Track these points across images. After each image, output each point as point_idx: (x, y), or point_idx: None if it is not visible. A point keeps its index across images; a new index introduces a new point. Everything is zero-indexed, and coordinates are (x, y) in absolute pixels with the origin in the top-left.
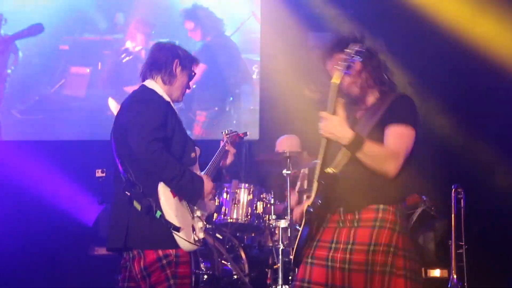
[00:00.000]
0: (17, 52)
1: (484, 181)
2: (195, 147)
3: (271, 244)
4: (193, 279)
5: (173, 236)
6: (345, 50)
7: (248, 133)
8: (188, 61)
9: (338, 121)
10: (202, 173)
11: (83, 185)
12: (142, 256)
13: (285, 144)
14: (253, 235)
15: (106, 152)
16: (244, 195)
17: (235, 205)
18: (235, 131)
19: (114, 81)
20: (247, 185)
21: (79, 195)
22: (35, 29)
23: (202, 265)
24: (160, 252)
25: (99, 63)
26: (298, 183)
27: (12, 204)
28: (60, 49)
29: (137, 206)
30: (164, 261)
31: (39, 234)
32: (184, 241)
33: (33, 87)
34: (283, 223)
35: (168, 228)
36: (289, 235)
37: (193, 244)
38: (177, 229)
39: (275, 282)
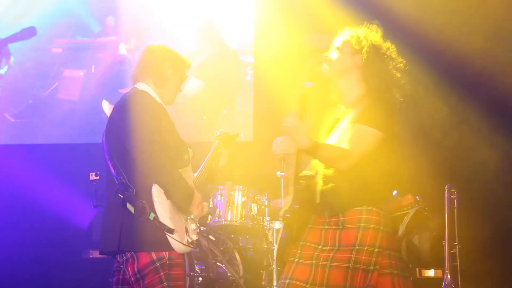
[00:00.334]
0: (9, 56)
1: (478, 181)
2: (188, 149)
3: (265, 246)
4: (188, 281)
5: (166, 238)
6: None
7: (240, 134)
8: (179, 64)
9: (299, 128)
10: (195, 174)
11: (77, 188)
12: (135, 258)
13: (280, 145)
14: (247, 237)
15: (100, 155)
16: (238, 197)
17: (230, 207)
18: (227, 132)
19: (108, 84)
20: (241, 186)
21: (73, 199)
22: (28, 33)
23: (196, 267)
24: (154, 255)
25: (92, 66)
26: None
27: (6, 208)
28: (53, 52)
29: (131, 208)
30: (158, 264)
31: (33, 238)
32: (178, 243)
33: (26, 90)
34: (277, 225)
35: (162, 230)
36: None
37: (186, 246)
38: (171, 231)
39: (270, 283)
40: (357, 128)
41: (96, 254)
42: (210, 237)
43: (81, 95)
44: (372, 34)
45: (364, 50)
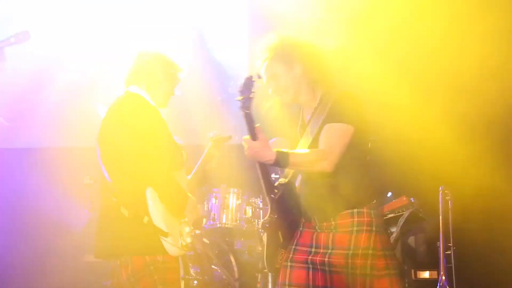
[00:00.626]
0: (4, 60)
1: (472, 182)
2: (182, 151)
3: (260, 248)
4: (183, 284)
5: (160, 241)
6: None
7: (232, 137)
8: (172, 68)
9: (259, 145)
10: (189, 177)
11: (72, 192)
12: (129, 262)
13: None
14: (242, 239)
15: (94, 159)
16: (233, 200)
17: (224, 210)
18: (219, 134)
19: (102, 87)
20: (236, 189)
21: (68, 203)
22: (22, 37)
23: (191, 271)
24: (148, 258)
25: (87, 70)
26: None
27: (1, 212)
28: (48, 56)
29: (124, 212)
30: (152, 267)
31: (27, 242)
32: (172, 246)
33: (20, 94)
34: (265, 235)
35: (155, 234)
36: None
37: (180, 249)
38: (165, 234)
39: (265, 286)
40: (327, 128)
41: (90, 258)
42: (205, 240)
43: (76, 98)
44: (289, 38)
45: (296, 57)
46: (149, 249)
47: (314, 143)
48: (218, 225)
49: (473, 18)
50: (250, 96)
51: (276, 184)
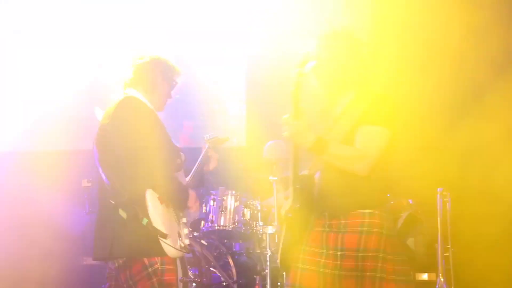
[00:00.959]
0: None
1: (470, 184)
2: (180, 153)
3: (259, 251)
4: (181, 286)
5: (158, 243)
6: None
7: (230, 138)
8: (169, 71)
9: (300, 127)
10: (187, 179)
11: (70, 195)
12: (128, 264)
13: (272, 150)
14: (240, 241)
15: (92, 162)
16: (231, 202)
17: (222, 212)
18: (216, 136)
19: (99, 91)
20: (234, 191)
21: (66, 206)
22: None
23: (190, 273)
24: (146, 261)
25: (84, 73)
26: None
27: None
28: (45, 59)
29: (123, 214)
30: (150, 269)
31: (26, 245)
32: (171, 247)
33: (17, 96)
34: (270, 229)
35: (154, 236)
36: (276, 241)
37: (179, 250)
38: (164, 236)
39: None
40: (366, 130)
41: (89, 260)
42: (203, 242)
43: (73, 101)
44: (349, 36)
45: (344, 50)
46: (148, 251)
47: (345, 140)
48: (216, 227)
49: None
50: (304, 72)
51: (300, 175)
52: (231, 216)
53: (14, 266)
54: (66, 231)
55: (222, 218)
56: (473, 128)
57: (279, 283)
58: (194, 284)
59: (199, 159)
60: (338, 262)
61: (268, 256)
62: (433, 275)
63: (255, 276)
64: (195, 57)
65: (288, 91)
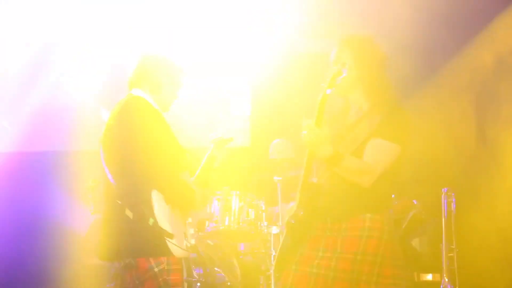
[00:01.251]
0: None
1: (475, 184)
2: (186, 153)
3: (263, 251)
4: (186, 286)
5: (165, 243)
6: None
7: (233, 139)
8: (176, 72)
9: (321, 137)
10: (192, 179)
11: (75, 195)
12: (134, 264)
13: (277, 149)
14: (245, 242)
15: (97, 162)
16: (235, 202)
17: (227, 212)
18: (221, 136)
19: (105, 91)
20: (238, 192)
21: (71, 206)
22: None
23: (194, 273)
24: (152, 260)
25: (90, 74)
26: None
27: (4, 215)
28: (50, 60)
29: (129, 214)
30: (156, 269)
31: (31, 245)
32: (177, 247)
33: (23, 98)
34: (275, 229)
35: (160, 236)
36: (281, 241)
37: (185, 250)
38: (170, 236)
39: None
40: (377, 143)
41: (93, 260)
42: (209, 241)
43: (78, 102)
44: (371, 43)
45: (370, 62)
46: (154, 251)
47: (358, 151)
48: (221, 227)
49: None
50: (335, 84)
51: (309, 182)
52: (236, 216)
53: (19, 265)
54: (71, 231)
55: (227, 218)
56: (477, 127)
57: None
58: (198, 284)
59: (203, 160)
60: (333, 263)
61: (272, 256)
62: (438, 276)
63: (259, 276)
64: (199, 58)
65: (291, 92)
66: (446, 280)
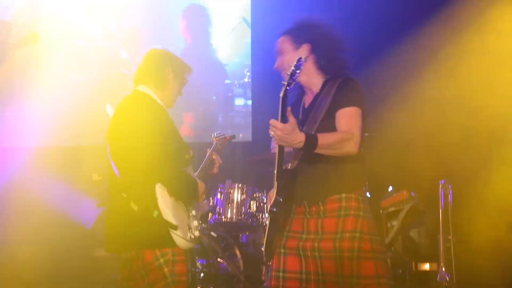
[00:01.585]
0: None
1: (471, 176)
2: (189, 149)
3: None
4: (190, 277)
5: (169, 235)
6: (290, 65)
7: (235, 136)
8: (180, 69)
9: (290, 128)
10: (195, 173)
11: (81, 189)
12: (140, 256)
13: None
14: (247, 233)
15: (102, 156)
16: (237, 195)
17: (229, 205)
18: (223, 134)
19: (110, 87)
20: (240, 185)
21: (78, 199)
22: (31, 39)
23: (198, 264)
24: (157, 251)
25: (94, 70)
26: None
27: (14, 209)
28: (56, 57)
29: (134, 207)
30: (162, 260)
31: (40, 238)
32: (181, 239)
33: (31, 94)
34: (268, 221)
35: (165, 228)
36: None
37: (189, 241)
38: (174, 228)
39: (269, 277)
40: (341, 113)
41: (101, 252)
42: (212, 233)
43: (84, 99)
44: (311, 21)
45: (306, 38)
46: (159, 243)
47: (320, 130)
48: (224, 219)
49: None
50: (294, 77)
51: (284, 169)
52: (238, 209)
53: (28, 257)
54: (78, 223)
55: (229, 210)
56: (475, 120)
57: None
58: (202, 275)
59: (203, 163)
60: (316, 244)
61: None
62: (435, 265)
63: (261, 267)
64: (201, 53)
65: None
66: (443, 269)
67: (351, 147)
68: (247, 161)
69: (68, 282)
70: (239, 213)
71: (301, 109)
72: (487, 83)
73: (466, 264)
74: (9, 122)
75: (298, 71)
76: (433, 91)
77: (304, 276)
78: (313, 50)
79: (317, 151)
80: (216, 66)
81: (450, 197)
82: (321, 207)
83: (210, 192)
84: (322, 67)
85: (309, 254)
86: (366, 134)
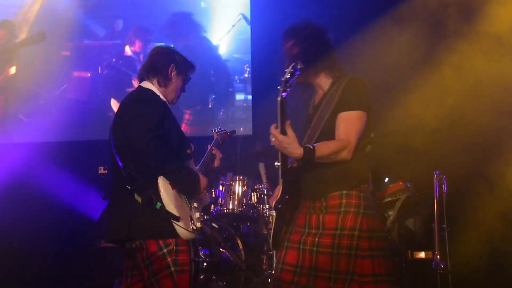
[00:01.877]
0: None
1: (465, 166)
2: (191, 144)
3: (265, 232)
4: (193, 266)
5: (172, 226)
6: (285, 70)
7: (235, 131)
8: (183, 67)
9: (288, 142)
10: (197, 167)
11: (87, 182)
12: (144, 246)
13: None
14: (248, 224)
15: (108, 150)
16: (238, 187)
17: (231, 197)
18: (224, 130)
19: (114, 84)
20: (241, 177)
21: (84, 192)
22: (38, 37)
23: (201, 253)
24: (161, 242)
25: (99, 67)
26: None
27: (23, 202)
28: (62, 55)
29: (138, 198)
30: (165, 250)
31: (48, 230)
32: (183, 230)
33: (37, 92)
34: (274, 215)
35: (168, 219)
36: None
37: (191, 232)
38: (177, 219)
39: (270, 267)
40: (343, 116)
41: (107, 243)
42: (214, 224)
43: (89, 95)
44: (310, 24)
45: (314, 41)
46: (162, 233)
47: (325, 128)
48: (226, 210)
49: None
50: (291, 83)
51: (289, 167)
52: (239, 200)
53: (38, 249)
54: (85, 216)
55: (231, 202)
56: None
57: None
58: (205, 264)
59: (204, 157)
60: (316, 239)
61: None
62: (430, 253)
63: (262, 256)
64: (202, 48)
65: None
66: (438, 257)
67: (344, 155)
68: (248, 154)
69: (77, 271)
70: (240, 205)
71: (311, 105)
72: (486, 77)
73: (460, 252)
74: (18, 118)
75: (293, 78)
76: (430, 84)
77: (298, 269)
78: (322, 53)
79: (313, 161)
80: (218, 62)
81: (444, 188)
82: (323, 203)
83: (212, 185)
84: (330, 69)
85: (307, 248)
86: (372, 135)
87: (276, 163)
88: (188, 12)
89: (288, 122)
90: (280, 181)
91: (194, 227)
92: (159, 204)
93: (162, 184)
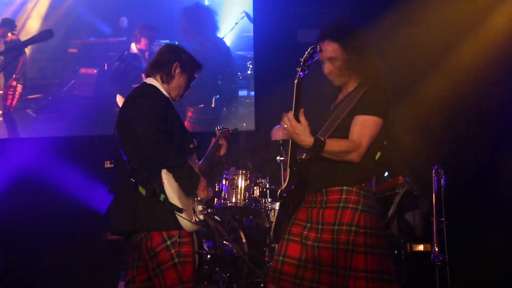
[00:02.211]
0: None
1: (463, 161)
2: (193, 139)
3: (268, 225)
4: (197, 258)
5: (176, 218)
6: (305, 52)
7: (238, 129)
8: (189, 66)
9: (301, 129)
10: (200, 162)
11: (94, 176)
12: (148, 237)
13: (279, 133)
14: (251, 217)
15: (114, 145)
16: (241, 181)
17: (234, 190)
18: (226, 128)
19: (120, 80)
20: (244, 171)
21: (91, 186)
22: (46, 35)
23: (205, 246)
24: (165, 234)
25: (105, 64)
26: None
27: (31, 196)
28: (69, 52)
29: (142, 191)
30: (169, 242)
31: (56, 223)
32: (187, 221)
33: (45, 88)
34: (278, 205)
35: (172, 211)
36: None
37: (194, 224)
38: (180, 211)
39: (272, 259)
40: (359, 119)
41: (113, 236)
42: (217, 217)
43: (96, 91)
44: (350, 25)
45: (351, 43)
46: (166, 225)
47: (341, 126)
48: (229, 204)
49: None
50: (309, 64)
51: (297, 158)
52: (242, 194)
53: (44, 241)
54: (92, 209)
55: (234, 195)
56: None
57: None
58: (208, 256)
59: (210, 147)
60: (318, 235)
61: None
62: (428, 246)
63: (264, 249)
64: (205, 45)
65: (293, 80)
66: (436, 250)
67: (353, 157)
68: (250, 149)
69: (84, 263)
70: (243, 198)
71: (334, 103)
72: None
73: (458, 245)
74: (27, 114)
75: (312, 60)
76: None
77: (302, 263)
78: (356, 58)
79: (321, 154)
80: (227, 64)
81: (442, 182)
82: (324, 197)
83: (216, 179)
84: (358, 73)
85: (310, 243)
86: (385, 143)
87: (278, 158)
88: (210, 8)
89: (302, 110)
90: (288, 170)
91: (197, 219)
92: (162, 196)
93: (166, 176)
